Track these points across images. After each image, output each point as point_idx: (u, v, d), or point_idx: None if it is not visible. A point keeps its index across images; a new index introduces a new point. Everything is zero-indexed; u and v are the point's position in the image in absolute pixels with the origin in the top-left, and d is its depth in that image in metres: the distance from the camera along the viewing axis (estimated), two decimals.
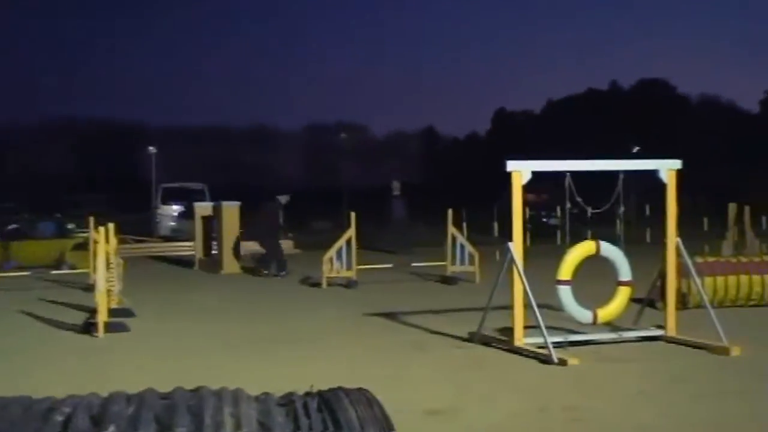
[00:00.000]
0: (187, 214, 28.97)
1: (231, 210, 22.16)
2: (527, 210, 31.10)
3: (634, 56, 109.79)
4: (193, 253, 23.25)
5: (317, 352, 10.68)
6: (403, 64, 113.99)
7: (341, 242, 17.71)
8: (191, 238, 23.95)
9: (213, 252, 22.62)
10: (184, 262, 23.39)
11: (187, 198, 33.33)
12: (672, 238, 11.18)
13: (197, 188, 36.79)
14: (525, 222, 29.15)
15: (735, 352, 10.09)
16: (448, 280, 18.04)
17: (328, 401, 4.05)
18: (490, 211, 28.08)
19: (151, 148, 48.14)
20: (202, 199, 29.76)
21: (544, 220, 34.01)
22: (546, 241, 25.18)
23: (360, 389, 4.30)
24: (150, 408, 3.77)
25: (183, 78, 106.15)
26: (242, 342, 11.56)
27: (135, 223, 33.53)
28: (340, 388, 4.18)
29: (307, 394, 4.12)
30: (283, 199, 20.97)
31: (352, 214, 17.68)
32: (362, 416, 4.04)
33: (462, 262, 18.28)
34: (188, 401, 3.85)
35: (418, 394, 8.42)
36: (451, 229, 18.52)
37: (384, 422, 4.11)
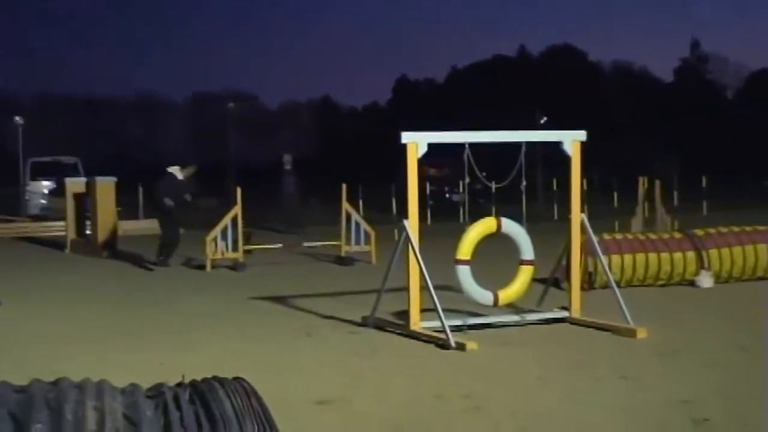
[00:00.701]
0: (59, 191, 28.44)
1: (106, 186, 21.79)
2: (428, 185, 31.56)
3: (543, 21, 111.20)
4: (65, 233, 22.86)
5: (197, 340, 10.62)
6: (297, 29, 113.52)
7: (226, 221, 17.60)
8: (63, 217, 23.54)
9: (87, 232, 22.26)
10: (57, 244, 22.97)
11: (58, 173, 32.69)
12: (576, 214, 11.38)
13: (70, 162, 36.13)
14: (426, 198, 29.35)
15: (641, 334, 10.34)
16: (342, 261, 18.10)
17: (201, 393, 4.03)
18: (389, 187, 28.23)
19: (17, 118, 47.05)
20: (76, 175, 29.23)
21: (447, 195, 34.33)
22: (449, 219, 25.41)
23: (237, 379, 4.29)
24: (3, 402, 3.70)
25: (60, 44, 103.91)
26: (114, 330, 11.43)
27: (0, 202, 32.81)
28: (214, 378, 4.17)
29: (179, 385, 4.11)
30: (181, 172, 18.38)
31: (238, 191, 17.59)
32: (239, 408, 4.03)
33: (357, 242, 18.36)
34: (46, 394, 3.79)
35: (307, 383, 8.45)
36: (346, 207, 18.56)
37: (262, 414, 4.11)
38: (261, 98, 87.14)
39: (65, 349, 10.15)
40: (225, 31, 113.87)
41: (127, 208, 27.75)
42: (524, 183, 11.48)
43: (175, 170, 18.46)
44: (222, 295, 14.24)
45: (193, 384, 4.10)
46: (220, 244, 17.56)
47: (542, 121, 48.21)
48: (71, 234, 22.45)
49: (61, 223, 24.07)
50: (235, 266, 17.38)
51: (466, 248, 10.92)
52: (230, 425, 3.92)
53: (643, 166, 31.53)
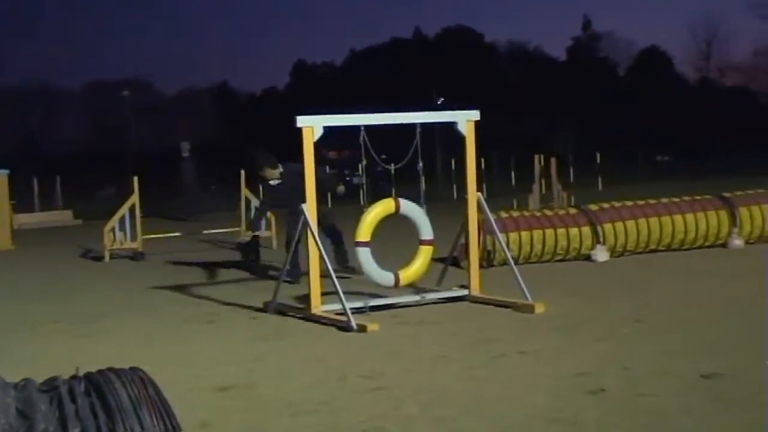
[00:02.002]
0: None
1: None
2: (328, 169, 31.55)
3: (438, 3, 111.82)
4: None
5: (97, 332, 10.50)
6: (193, 15, 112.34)
7: (123, 210, 17.39)
8: None
9: None
10: None
11: None
12: (472, 193, 11.48)
13: None
14: None
15: (539, 309, 10.49)
16: (243, 247, 17.99)
17: (96, 384, 4.00)
18: None
19: None
20: None
21: (348, 178, 34.39)
22: (350, 201, 25.45)
23: (133, 369, 4.26)
24: None
25: None
26: (10, 322, 11.23)
27: None
28: (110, 369, 4.13)
29: (73, 377, 4.06)
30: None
31: (135, 179, 17.39)
32: (135, 398, 4.01)
33: (258, 228, 18.27)
34: None
35: (209, 370, 8.41)
36: (245, 192, 18.48)
37: (160, 403, 4.10)
38: (157, 85, 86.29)
39: None
40: (121, 18, 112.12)
41: (24, 201, 27.27)
42: (420, 164, 11.55)
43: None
44: (122, 286, 14.08)
45: (88, 376, 4.06)
46: (118, 234, 17.34)
47: (439, 102, 48.49)
48: None
49: None
50: (134, 256, 17.19)
51: (365, 230, 10.97)
52: (127, 415, 3.90)
53: (539, 144, 31.99)
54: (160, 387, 4.18)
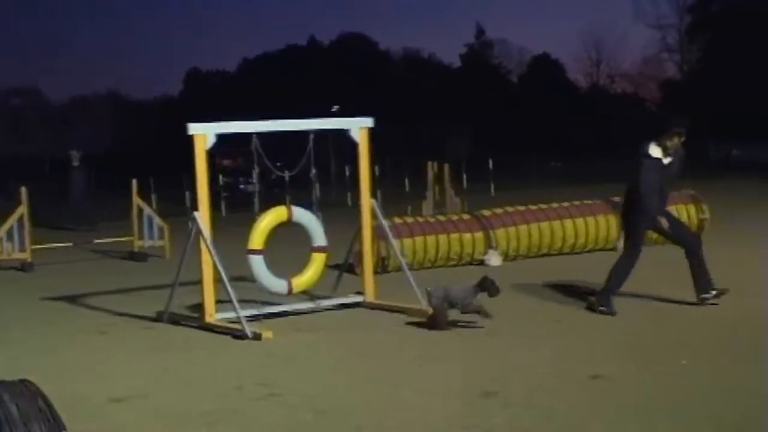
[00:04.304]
0: None
1: None
2: (221, 177, 31.38)
3: (333, 11, 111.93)
4: None
5: None
6: (80, 23, 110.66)
7: (12, 221, 17.06)
8: None
9: None
10: None
11: None
12: (366, 200, 11.57)
13: None
14: (221, 189, 29.19)
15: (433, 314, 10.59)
16: (136, 257, 17.82)
17: None
18: (181, 180, 27.92)
19: None
20: None
21: (242, 186, 34.21)
22: (244, 209, 25.32)
23: (23, 381, 4.23)
24: None
25: None
26: None
27: None
28: None
29: None
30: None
31: (23, 189, 17.07)
32: (24, 410, 3.99)
33: (151, 237, 18.09)
34: None
35: (102, 381, 8.34)
36: (137, 201, 18.29)
37: (50, 415, 4.08)
38: (45, 93, 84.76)
39: None
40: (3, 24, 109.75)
41: None
42: (314, 171, 11.61)
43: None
44: (11, 297, 13.82)
45: None
46: (6, 245, 16.99)
47: (333, 109, 48.54)
48: None
49: None
50: (23, 267, 16.87)
51: (257, 238, 10.97)
52: (16, 428, 3.87)
53: (434, 151, 32.24)
54: (51, 399, 4.16)
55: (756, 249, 15.09)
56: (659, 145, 10.42)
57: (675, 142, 10.42)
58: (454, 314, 9.94)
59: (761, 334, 9.08)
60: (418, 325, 10.06)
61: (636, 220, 10.60)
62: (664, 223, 10.47)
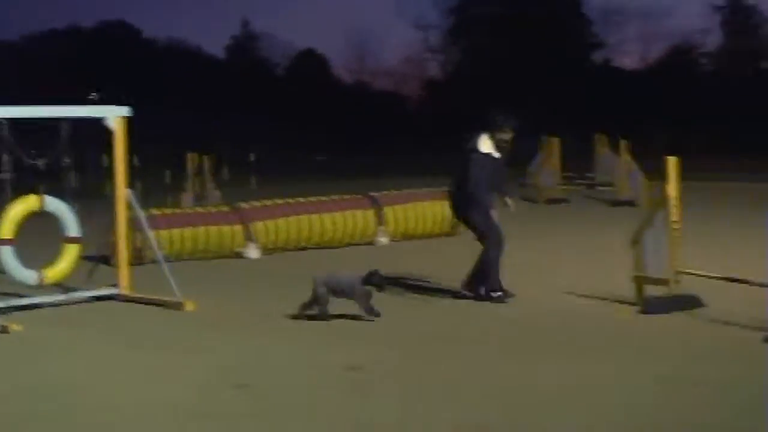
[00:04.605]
0: None
1: None
2: None
3: None
4: None
5: None
6: None
7: None
8: None
9: None
10: None
11: None
12: (122, 190, 11.37)
13: None
14: None
15: (189, 306, 10.55)
16: None
17: None
18: None
19: None
20: None
21: None
22: None
23: None
24: None
25: None
26: None
27: None
28: None
29: None
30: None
31: None
32: None
33: None
34: None
35: None
36: None
37: None
38: None
39: None
40: None
41: None
42: (67, 160, 11.31)
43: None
44: None
45: None
46: None
47: (91, 96, 47.32)
48: None
49: None
50: None
51: (6, 228, 10.61)
52: None
53: (196, 142, 31.88)
54: None
55: None
56: (491, 138, 10.56)
57: (508, 136, 10.59)
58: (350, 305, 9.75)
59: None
60: (308, 318, 9.81)
61: (473, 215, 10.58)
62: (480, 218, 10.51)
